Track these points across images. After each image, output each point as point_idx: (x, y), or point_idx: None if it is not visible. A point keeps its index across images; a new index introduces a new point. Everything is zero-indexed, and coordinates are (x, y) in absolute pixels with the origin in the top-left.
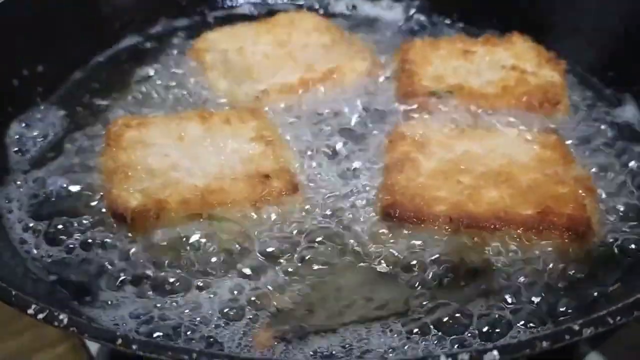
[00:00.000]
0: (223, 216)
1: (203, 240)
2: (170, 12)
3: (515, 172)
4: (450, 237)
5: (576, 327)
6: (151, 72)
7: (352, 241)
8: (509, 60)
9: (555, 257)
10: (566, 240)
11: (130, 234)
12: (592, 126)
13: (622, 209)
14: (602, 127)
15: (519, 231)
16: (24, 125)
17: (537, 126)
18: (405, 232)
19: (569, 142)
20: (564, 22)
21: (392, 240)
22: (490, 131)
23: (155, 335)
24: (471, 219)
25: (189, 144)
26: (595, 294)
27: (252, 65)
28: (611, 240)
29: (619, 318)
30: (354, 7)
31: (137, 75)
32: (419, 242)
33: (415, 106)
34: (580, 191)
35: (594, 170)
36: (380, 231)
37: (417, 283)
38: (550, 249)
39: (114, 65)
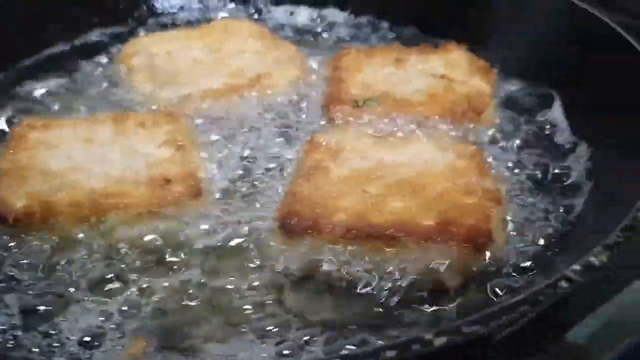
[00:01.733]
0: (116, 221)
1: (93, 245)
2: (106, 21)
3: (425, 181)
4: (349, 248)
5: (427, 337)
6: (78, 77)
7: (249, 250)
8: (440, 69)
9: (453, 271)
10: (466, 254)
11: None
12: (517, 137)
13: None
14: (528, 138)
15: (417, 242)
16: None
17: (460, 135)
18: (305, 242)
19: (495, 151)
20: (499, 31)
21: (287, 252)
22: (409, 140)
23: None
24: (369, 229)
25: (96, 146)
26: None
27: (178, 70)
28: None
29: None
30: (292, 13)
31: (58, 81)
32: (315, 254)
33: (338, 114)
34: (487, 203)
35: (512, 182)
36: (273, 242)
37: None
38: (448, 261)
39: (38, 70)
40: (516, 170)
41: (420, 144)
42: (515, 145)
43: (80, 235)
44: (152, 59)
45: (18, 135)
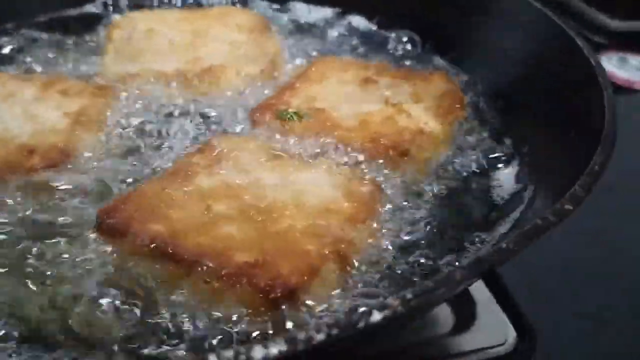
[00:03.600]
0: None
1: None
2: None
3: (282, 212)
4: (148, 263)
5: None
6: (65, 41)
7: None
8: (401, 97)
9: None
10: (262, 307)
11: None
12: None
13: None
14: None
15: (219, 278)
16: None
17: (371, 175)
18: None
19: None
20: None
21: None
22: (304, 165)
23: None
24: (174, 248)
25: (6, 104)
26: None
27: (144, 48)
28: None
29: None
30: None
31: (46, 40)
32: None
33: (261, 123)
34: (325, 254)
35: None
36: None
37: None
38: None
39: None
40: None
41: (313, 172)
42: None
43: None
44: (132, 34)
45: None
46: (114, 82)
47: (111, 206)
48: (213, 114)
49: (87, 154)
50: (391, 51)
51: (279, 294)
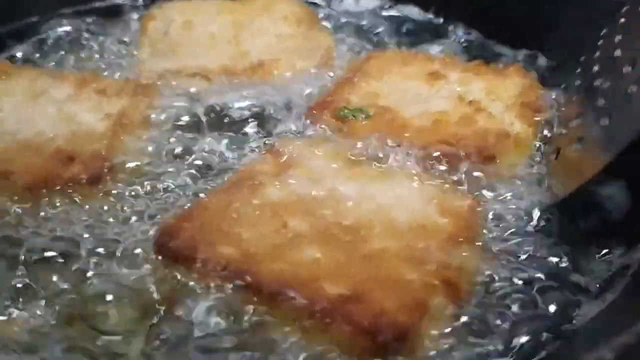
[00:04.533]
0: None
1: None
2: None
3: (372, 233)
4: (221, 295)
5: None
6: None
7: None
8: (476, 94)
9: None
10: (364, 349)
11: None
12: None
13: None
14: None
15: (305, 313)
16: None
17: (460, 181)
18: (176, 273)
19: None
20: None
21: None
22: (385, 173)
23: None
24: (250, 278)
25: (37, 103)
26: None
27: (183, 42)
28: None
29: None
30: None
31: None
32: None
33: (318, 122)
34: (431, 284)
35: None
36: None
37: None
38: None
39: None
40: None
41: (395, 182)
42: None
43: None
44: (169, 25)
45: None
46: (152, 79)
47: (173, 225)
48: (267, 112)
49: (131, 162)
50: (452, 42)
51: (389, 337)
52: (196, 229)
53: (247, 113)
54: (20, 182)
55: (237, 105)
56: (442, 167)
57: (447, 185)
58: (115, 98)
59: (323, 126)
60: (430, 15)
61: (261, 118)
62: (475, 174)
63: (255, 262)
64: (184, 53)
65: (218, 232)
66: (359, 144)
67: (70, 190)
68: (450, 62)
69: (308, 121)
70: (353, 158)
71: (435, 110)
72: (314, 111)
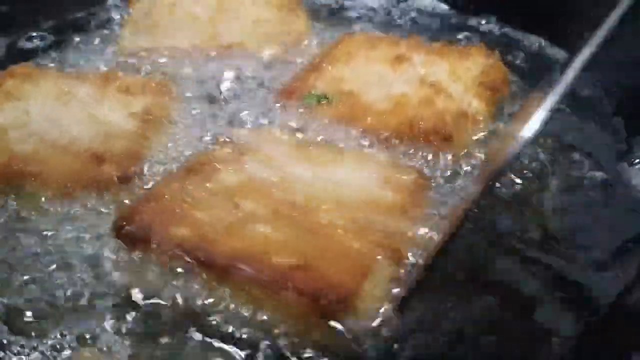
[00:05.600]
0: (29, 192)
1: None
2: None
3: (321, 210)
4: (176, 273)
5: None
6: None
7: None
8: (439, 76)
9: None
10: (308, 313)
11: None
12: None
13: None
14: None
15: (254, 284)
16: None
17: (412, 159)
18: (134, 257)
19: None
20: None
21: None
22: (340, 154)
23: None
24: (206, 255)
25: (64, 105)
26: None
27: (162, 22)
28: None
29: None
30: None
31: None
32: (136, 275)
33: (283, 108)
34: (376, 252)
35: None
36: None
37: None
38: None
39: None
40: None
41: (347, 162)
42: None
43: None
44: (153, 5)
45: None
46: (128, 55)
47: (130, 210)
48: (229, 96)
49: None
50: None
51: (330, 300)
52: (151, 213)
53: (211, 98)
54: (52, 183)
55: (200, 89)
56: (401, 149)
57: (395, 163)
58: (139, 96)
59: (289, 112)
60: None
61: (220, 103)
62: (432, 153)
63: (208, 241)
64: (161, 33)
65: (172, 215)
66: (319, 128)
67: (102, 189)
68: (416, 44)
69: (277, 106)
70: (307, 142)
71: (396, 93)
72: (278, 98)
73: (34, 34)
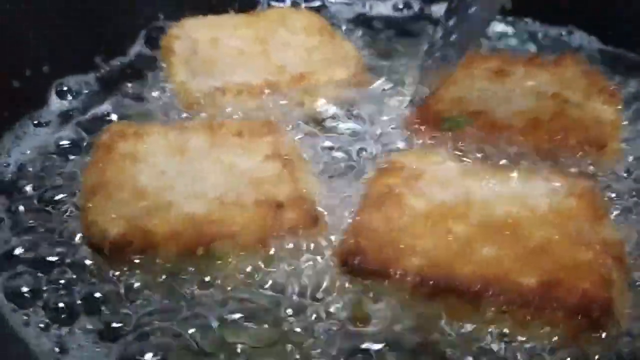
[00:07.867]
0: (223, 253)
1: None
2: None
3: (525, 225)
4: (421, 303)
5: None
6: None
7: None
8: (552, 87)
9: (561, 348)
10: (576, 327)
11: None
12: None
13: None
14: None
15: (513, 306)
16: None
17: (571, 170)
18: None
19: (610, 194)
20: None
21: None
22: (505, 171)
23: None
24: (449, 282)
25: (190, 159)
26: None
27: (218, 59)
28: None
29: None
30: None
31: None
32: (377, 306)
33: (419, 134)
34: (606, 260)
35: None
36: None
37: None
38: (555, 337)
39: None
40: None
41: (520, 177)
42: None
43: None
44: (196, 44)
45: (104, 144)
46: (198, 98)
47: (350, 245)
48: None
49: None
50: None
51: (599, 314)
52: (376, 247)
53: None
54: (245, 239)
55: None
56: (560, 161)
57: (564, 171)
58: (257, 138)
59: (422, 138)
60: None
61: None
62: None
63: (443, 267)
64: (220, 70)
65: (394, 247)
66: (472, 149)
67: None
68: (507, 59)
69: (405, 133)
70: (469, 161)
71: (522, 109)
72: (415, 123)
73: None
